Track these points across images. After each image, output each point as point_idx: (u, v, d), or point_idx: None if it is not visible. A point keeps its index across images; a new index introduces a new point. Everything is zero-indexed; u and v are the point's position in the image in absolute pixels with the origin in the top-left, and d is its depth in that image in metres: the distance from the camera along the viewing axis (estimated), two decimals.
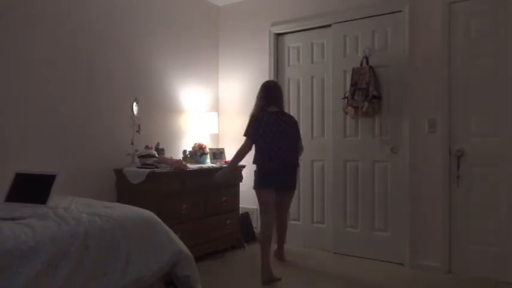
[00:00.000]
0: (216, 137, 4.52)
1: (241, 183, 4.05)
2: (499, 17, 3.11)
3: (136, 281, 2.10)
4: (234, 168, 3.50)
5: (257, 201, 3.31)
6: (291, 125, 3.34)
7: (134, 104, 3.52)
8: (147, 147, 3.46)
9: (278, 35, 4.25)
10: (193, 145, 4.03)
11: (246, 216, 4.24)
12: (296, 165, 3.33)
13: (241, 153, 3.28)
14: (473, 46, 3.21)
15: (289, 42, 4.20)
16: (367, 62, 3.59)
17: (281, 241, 3.62)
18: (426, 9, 3.37)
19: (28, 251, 1.73)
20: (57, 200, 2.38)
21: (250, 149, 3.28)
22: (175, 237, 2.43)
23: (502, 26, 3.09)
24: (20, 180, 2.39)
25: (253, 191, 3.68)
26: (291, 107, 4.15)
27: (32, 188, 2.35)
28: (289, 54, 4.21)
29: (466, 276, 3.18)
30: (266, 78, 4.21)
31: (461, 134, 3.25)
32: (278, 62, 4.27)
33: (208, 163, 3.94)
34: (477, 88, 3.19)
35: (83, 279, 1.88)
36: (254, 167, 3.35)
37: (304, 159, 4.05)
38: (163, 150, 3.66)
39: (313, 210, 4.04)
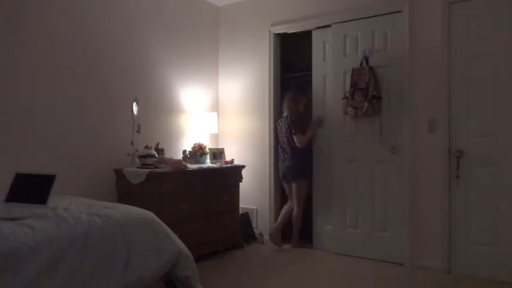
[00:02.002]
0: (215, 137, 4.52)
1: (241, 183, 4.05)
2: (499, 17, 3.10)
3: (136, 281, 2.10)
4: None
5: (257, 202, 4.11)
6: (289, 125, 3.92)
7: (134, 104, 3.51)
8: (147, 147, 3.46)
9: (278, 35, 4.25)
10: (193, 145, 4.03)
11: (246, 216, 4.24)
12: (293, 160, 3.90)
13: None
14: (473, 46, 3.20)
15: (325, 37, 3.95)
16: (367, 62, 3.59)
17: (281, 225, 4.02)
18: (426, 10, 3.37)
19: (28, 252, 1.73)
20: (57, 200, 2.38)
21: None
22: (175, 238, 2.43)
23: (502, 26, 3.09)
24: (20, 180, 2.39)
25: (253, 191, 4.41)
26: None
27: (32, 188, 2.35)
28: (325, 50, 3.99)
29: (465, 276, 3.18)
30: (266, 78, 4.25)
31: (461, 134, 3.24)
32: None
33: (208, 163, 3.94)
34: (477, 88, 3.19)
35: (82, 279, 1.88)
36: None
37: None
38: (163, 150, 3.66)
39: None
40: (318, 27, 3.98)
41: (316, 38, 4.05)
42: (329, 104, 3.93)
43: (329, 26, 3.88)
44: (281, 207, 4.19)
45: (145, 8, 3.77)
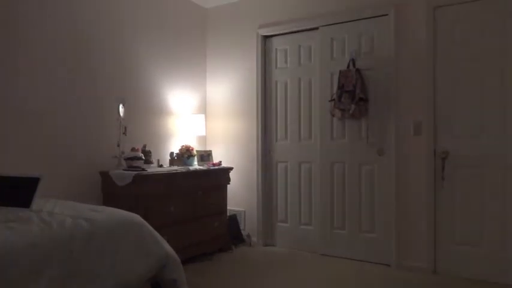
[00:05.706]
0: (203, 139, 4.50)
1: (228, 186, 4.04)
2: (483, 21, 3.17)
3: (123, 285, 2.07)
4: None
5: (245, 204, 3.83)
6: None
7: (120, 105, 3.47)
8: (133, 149, 3.43)
9: (265, 37, 4.26)
10: (180, 147, 4.00)
11: (234, 218, 4.23)
12: None
13: None
14: (457, 49, 3.26)
15: (277, 44, 4.21)
16: (354, 65, 3.62)
17: None
18: (411, 14, 3.41)
19: (9, 257, 1.68)
20: (41, 203, 2.34)
21: None
22: (162, 241, 2.40)
23: (486, 30, 3.16)
24: (2, 183, 2.34)
25: (241, 193, 4.31)
26: (279, 109, 4.19)
27: (15, 191, 2.30)
28: (276, 57, 4.22)
29: (451, 276, 3.22)
30: (254, 80, 4.25)
31: (446, 136, 3.29)
32: (266, 64, 4.28)
33: (195, 165, 3.91)
34: (462, 91, 3.24)
35: (67, 284, 1.85)
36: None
37: (291, 161, 4.10)
38: (150, 152, 3.63)
39: (300, 211, 4.05)
40: (305, 30, 4.00)
41: (269, 45, 4.24)
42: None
43: (316, 28, 3.90)
44: (268, 209, 4.19)
45: (132, 9, 3.74)
